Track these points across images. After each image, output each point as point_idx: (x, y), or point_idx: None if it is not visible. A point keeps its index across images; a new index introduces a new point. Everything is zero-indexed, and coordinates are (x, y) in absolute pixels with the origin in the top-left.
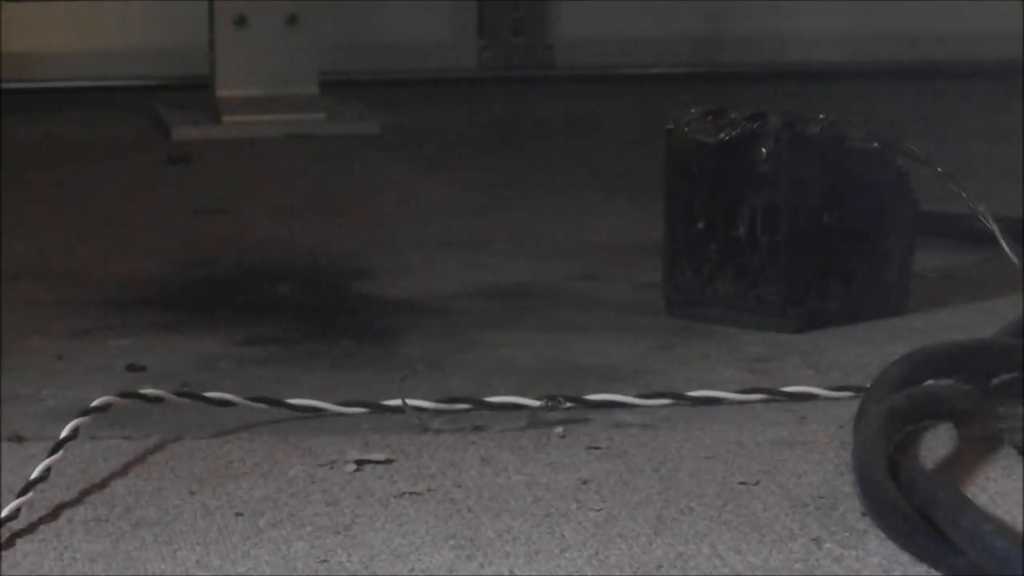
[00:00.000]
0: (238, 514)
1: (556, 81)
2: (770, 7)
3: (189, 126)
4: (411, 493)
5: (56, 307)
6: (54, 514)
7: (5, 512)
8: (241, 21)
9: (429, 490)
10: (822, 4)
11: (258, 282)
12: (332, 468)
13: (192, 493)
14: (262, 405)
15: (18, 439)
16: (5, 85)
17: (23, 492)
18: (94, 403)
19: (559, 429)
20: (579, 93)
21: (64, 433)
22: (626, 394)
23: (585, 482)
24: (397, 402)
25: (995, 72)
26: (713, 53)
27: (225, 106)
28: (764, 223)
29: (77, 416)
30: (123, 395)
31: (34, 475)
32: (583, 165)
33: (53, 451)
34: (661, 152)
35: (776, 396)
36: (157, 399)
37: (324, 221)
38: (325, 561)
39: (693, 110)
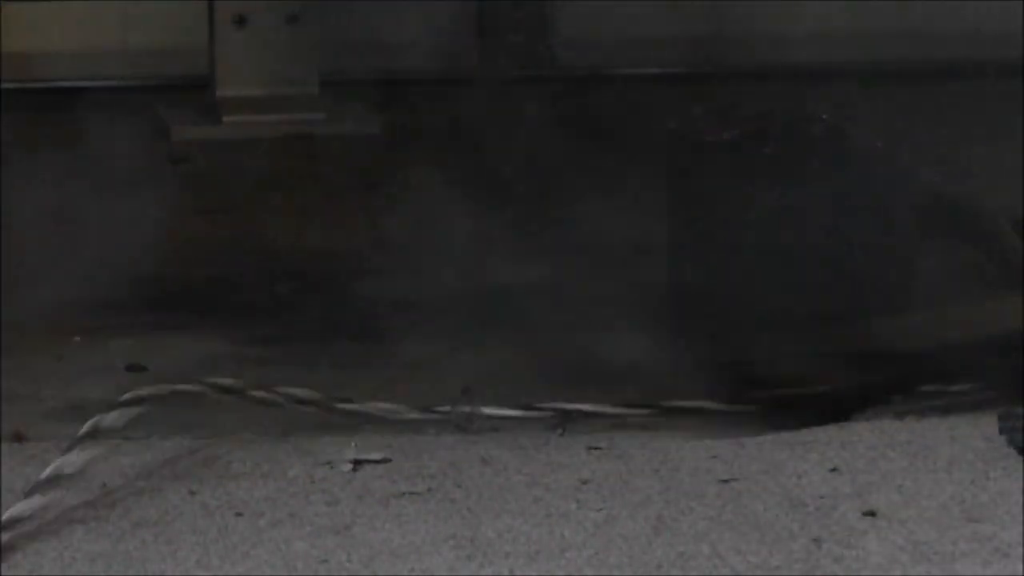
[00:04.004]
0: (238, 514)
1: (556, 81)
2: (770, 7)
3: (189, 126)
4: (411, 493)
5: (56, 307)
6: (54, 514)
7: (6, 516)
8: (241, 21)
9: (429, 490)
10: (822, 4)
11: (258, 282)
12: (332, 468)
13: (192, 493)
14: (262, 394)
15: (19, 439)
16: (5, 85)
17: (30, 494)
18: (126, 396)
19: (559, 429)
20: (579, 93)
21: (84, 430)
22: (626, 394)
23: (585, 482)
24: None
25: (995, 72)
26: (713, 53)
27: (225, 106)
28: (764, 223)
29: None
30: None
31: (44, 475)
32: (583, 165)
33: (67, 451)
34: (661, 152)
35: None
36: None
37: (324, 221)
38: (325, 561)
39: (693, 110)
